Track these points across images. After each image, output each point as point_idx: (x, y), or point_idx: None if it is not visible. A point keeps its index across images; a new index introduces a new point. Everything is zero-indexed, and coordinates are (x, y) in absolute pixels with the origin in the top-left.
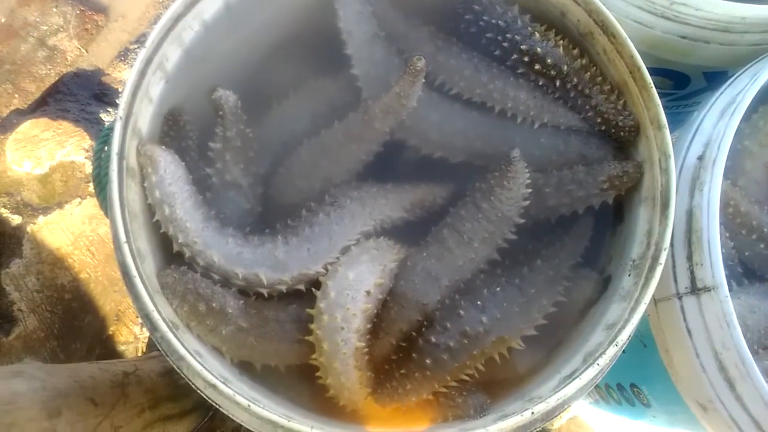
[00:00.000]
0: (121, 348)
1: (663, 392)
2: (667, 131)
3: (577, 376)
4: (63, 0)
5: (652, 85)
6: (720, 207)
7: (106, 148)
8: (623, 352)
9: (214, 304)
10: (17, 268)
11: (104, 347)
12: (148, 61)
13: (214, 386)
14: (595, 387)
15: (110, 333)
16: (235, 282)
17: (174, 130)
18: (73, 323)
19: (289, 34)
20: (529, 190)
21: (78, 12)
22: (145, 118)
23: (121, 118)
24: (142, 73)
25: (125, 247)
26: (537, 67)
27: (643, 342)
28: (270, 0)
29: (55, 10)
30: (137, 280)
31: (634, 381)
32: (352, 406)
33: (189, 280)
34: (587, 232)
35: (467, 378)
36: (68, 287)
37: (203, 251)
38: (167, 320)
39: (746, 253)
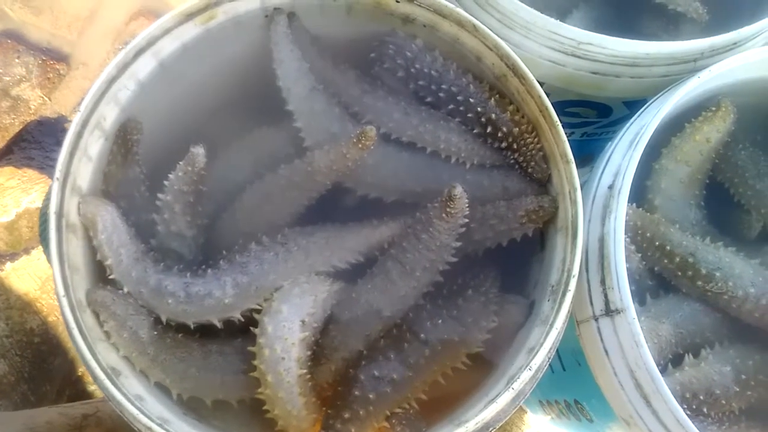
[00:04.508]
0: (91, 388)
1: (599, 407)
2: (573, 165)
3: (495, 400)
4: (25, 50)
5: (559, 123)
6: (632, 232)
7: None
8: (563, 369)
9: (155, 332)
10: None
11: (74, 388)
12: (85, 123)
13: (150, 429)
14: (547, 403)
15: (80, 374)
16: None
17: (121, 153)
18: (42, 366)
19: (230, 89)
20: (466, 220)
21: (40, 61)
22: (85, 176)
23: (58, 179)
24: (79, 135)
25: (64, 301)
26: (470, 116)
27: (578, 361)
28: (206, 57)
29: (17, 60)
30: (76, 332)
31: (576, 397)
32: None
33: (130, 304)
34: (512, 261)
35: (409, 406)
36: (37, 331)
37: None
38: (106, 368)
39: (655, 269)
